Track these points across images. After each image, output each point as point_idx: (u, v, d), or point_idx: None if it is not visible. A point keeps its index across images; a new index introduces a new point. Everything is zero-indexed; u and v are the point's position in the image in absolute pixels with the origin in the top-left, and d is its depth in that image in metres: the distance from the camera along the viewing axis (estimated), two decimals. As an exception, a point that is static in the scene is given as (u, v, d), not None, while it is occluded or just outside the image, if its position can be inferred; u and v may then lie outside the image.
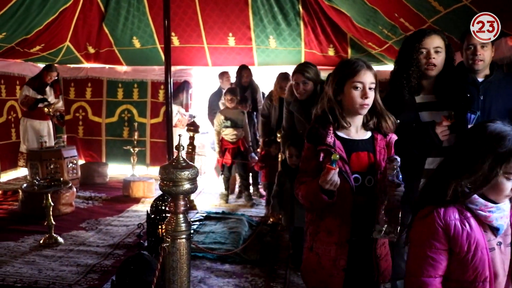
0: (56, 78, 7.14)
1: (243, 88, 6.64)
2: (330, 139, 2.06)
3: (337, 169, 1.92)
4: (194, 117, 6.86)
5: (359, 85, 2.05)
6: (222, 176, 6.39)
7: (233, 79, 7.10)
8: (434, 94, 2.76)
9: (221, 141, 6.18)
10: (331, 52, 6.99)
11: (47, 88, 6.93)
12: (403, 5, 4.46)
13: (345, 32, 6.61)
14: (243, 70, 6.68)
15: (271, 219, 4.87)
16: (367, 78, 2.06)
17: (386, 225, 1.97)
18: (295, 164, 3.77)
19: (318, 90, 3.76)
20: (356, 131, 2.15)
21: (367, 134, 2.17)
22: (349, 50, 6.90)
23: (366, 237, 2.07)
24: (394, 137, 2.21)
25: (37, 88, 6.82)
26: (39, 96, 6.82)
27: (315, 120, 2.19)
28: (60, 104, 7.30)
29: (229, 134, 6.09)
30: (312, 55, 7.06)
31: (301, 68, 3.84)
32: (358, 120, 2.16)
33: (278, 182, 4.10)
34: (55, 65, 7.25)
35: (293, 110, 3.98)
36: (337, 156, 1.92)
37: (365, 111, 2.10)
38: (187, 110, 7.72)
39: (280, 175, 4.12)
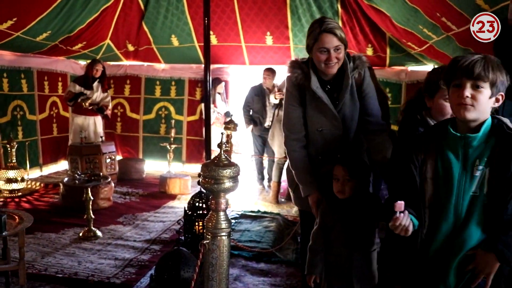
0: (103, 72, 7.10)
1: None
2: None
3: None
4: (231, 115, 6.66)
5: None
6: None
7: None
8: None
9: None
10: (369, 52, 6.89)
11: (95, 84, 6.99)
12: (445, 3, 4.35)
13: (384, 32, 6.49)
14: None
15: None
16: None
17: None
18: (341, 192, 2.42)
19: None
20: None
21: None
22: (388, 50, 6.78)
23: None
24: None
25: (83, 84, 6.88)
26: (84, 91, 6.88)
27: None
28: (107, 100, 7.32)
29: None
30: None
31: (330, 26, 2.48)
32: None
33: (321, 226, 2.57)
34: (100, 59, 7.29)
35: (315, 93, 2.57)
36: None
37: None
38: (215, 106, 7.59)
39: (324, 213, 2.53)
